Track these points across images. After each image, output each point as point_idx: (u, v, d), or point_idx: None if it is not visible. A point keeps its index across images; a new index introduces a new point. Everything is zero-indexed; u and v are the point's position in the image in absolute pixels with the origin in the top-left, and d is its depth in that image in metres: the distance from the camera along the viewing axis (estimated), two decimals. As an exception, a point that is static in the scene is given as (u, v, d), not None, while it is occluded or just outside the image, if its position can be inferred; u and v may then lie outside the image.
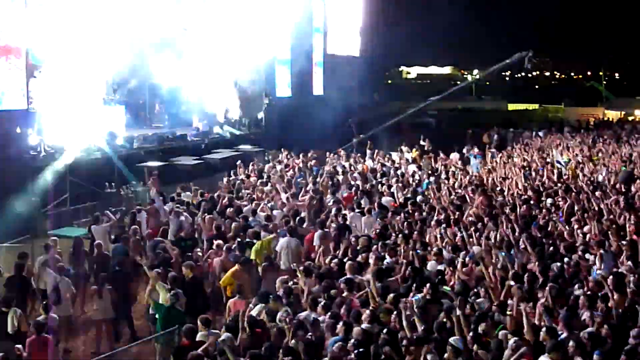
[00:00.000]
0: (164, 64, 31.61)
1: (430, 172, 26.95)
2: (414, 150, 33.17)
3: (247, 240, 16.54)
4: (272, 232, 17.13)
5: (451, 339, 10.30)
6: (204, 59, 33.16)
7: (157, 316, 13.20)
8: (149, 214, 19.38)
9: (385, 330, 10.65)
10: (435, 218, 18.50)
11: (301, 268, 13.92)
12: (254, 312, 11.80)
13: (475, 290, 12.72)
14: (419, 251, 15.20)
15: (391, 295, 12.19)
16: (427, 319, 11.20)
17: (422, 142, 35.45)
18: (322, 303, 11.88)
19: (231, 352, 10.23)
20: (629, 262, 14.42)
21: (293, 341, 10.33)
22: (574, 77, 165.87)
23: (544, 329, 10.65)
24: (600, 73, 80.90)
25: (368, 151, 31.64)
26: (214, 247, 16.11)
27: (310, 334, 10.79)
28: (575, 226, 17.61)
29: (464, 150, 33.87)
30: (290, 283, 13.47)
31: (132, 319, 15.16)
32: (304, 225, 18.11)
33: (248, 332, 10.87)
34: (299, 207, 20.11)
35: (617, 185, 24.01)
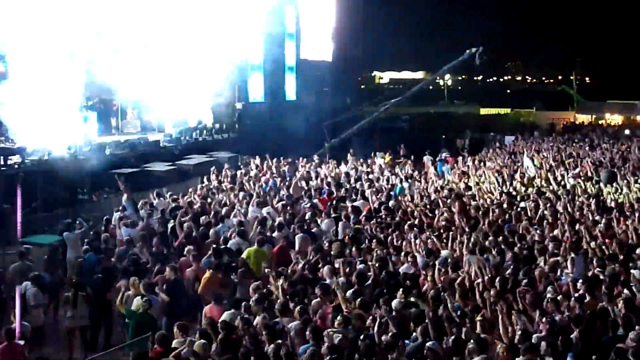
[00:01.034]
0: (136, 70, 31.45)
1: (403, 177, 27.02)
2: (387, 155, 33.26)
3: (222, 246, 16.49)
4: (245, 238, 17.10)
5: (428, 343, 10.32)
6: (177, 65, 33.00)
7: (130, 323, 13.12)
8: (121, 220, 19.24)
9: (362, 336, 10.66)
10: (408, 223, 18.55)
11: (274, 273, 13.91)
12: (226, 318, 11.75)
13: (449, 294, 12.75)
14: (392, 256, 15.26)
15: (364, 299, 12.22)
16: (401, 324, 11.22)
17: (401, 152, 35.58)
18: (296, 309, 11.86)
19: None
20: (600, 265, 14.53)
21: (270, 347, 10.30)
22: (545, 81, 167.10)
23: (518, 332, 10.72)
24: (571, 77, 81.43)
25: (350, 157, 31.62)
26: (186, 253, 16.03)
27: (284, 340, 10.76)
28: (547, 230, 17.76)
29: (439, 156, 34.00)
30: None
31: (108, 326, 15.06)
32: (280, 232, 18.05)
33: (222, 338, 10.82)
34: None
35: (589, 189, 24.24)
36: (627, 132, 55.35)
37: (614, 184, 24.99)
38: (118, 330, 15.04)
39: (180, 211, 19.64)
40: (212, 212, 19.61)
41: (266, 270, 14.68)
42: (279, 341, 10.52)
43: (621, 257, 15.12)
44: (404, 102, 49.89)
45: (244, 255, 16.01)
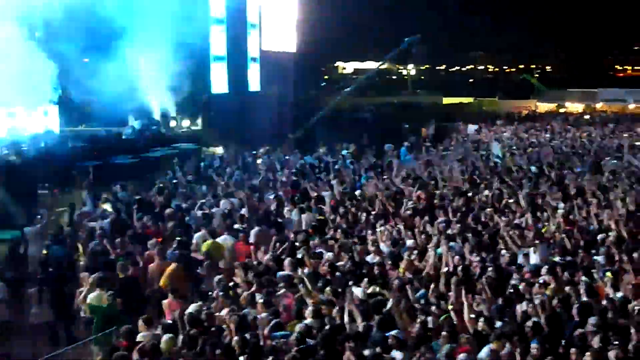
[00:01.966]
0: (98, 62, 31.18)
1: (368, 166, 27.12)
2: (351, 145, 33.30)
3: (185, 239, 16.40)
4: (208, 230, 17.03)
5: (393, 332, 10.37)
6: (139, 56, 32.77)
7: (94, 318, 13.01)
8: (83, 214, 19.07)
9: (327, 326, 10.68)
10: (373, 212, 18.61)
11: (239, 265, 13.90)
12: (191, 311, 11.69)
13: (415, 282, 12.80)
14: (357, 245, 15.31)
15: (331, 289, 12.24)
16: (367, 313, 11.26)
17: (364, 142, 35.64)
18: (261, 300, 11.85)
19: None
20: (563, 252, 14.70)
21: (235, 339, 10.28)
22: (507, 70, 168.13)
23: (481, 319, 10.80)
24: (532, 66, 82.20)
25: (321, 149, 31.61)
26: (149, 246, 15.93)
27: (250, 331, 10.75)
28: (511, 217, 17.92)
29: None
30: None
31: (71, 321, 14.92)
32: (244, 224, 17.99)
33: (187, 332, 10.77)
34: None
35: (553, 176, 24.49)
36: (586, 117, 56.12)
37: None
38: (81, 325, 14.90)
39: (144, 204, 19.54)
40: (177, 205, 19.49)
41: (235, 263, 14.65)
42: (246, 333, 10.51)
43: (582, 243, 15.31)
44: (356, 93, 50.13)
45: (203, 248, 15.92)
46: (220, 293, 12.39)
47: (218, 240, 16.41)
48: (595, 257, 14.34)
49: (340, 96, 46.40)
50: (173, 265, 14.48)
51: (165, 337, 10.70)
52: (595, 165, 27.13)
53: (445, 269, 13.54)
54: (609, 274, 12.87)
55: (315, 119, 41.65)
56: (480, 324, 10.73)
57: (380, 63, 50.64)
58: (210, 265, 14.96)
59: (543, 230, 16.64)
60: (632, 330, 10.45)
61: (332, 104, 45.13)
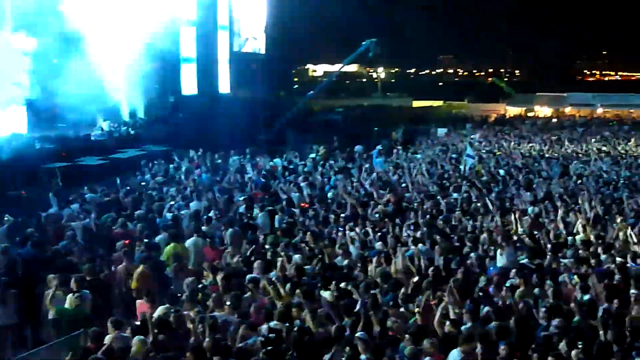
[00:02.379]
0: (67, 63, 30.96)
1: (338, 169, 27.16)
2: (321, 147, 33.34)
3: (154, 241, 16.31)
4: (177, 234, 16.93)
5: (358, 334, 10.38)
6: (108, 57, 32.60)
7: (61, 321, 12.88)
8: (49, 216, 18.87)
9: (295, 328, 10.67)
10: (342, 215, 18.63)
11: (208, 267, 13.86)
12: (160, 314, 11.64)
13: (384, 286, 12.82)
14: (326, 248, 15.31)
15: (300, 291, 12.24)
16: (336, 315, 11.27)
17: (334, 143, 35.68)
18: (230, 303, 11.82)
19: None
20: (529, 254, 14.81)
21: (206, 342, 10.24)
22: (477, 74, 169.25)
23: (448, 322, 10.84)
24: (502, 70, 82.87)
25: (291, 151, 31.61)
26: (117, 248, 15.82)
27: (219, 334, 10.71)
28: (479, 220, 18.02)
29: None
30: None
31: (38, 324, 14.76)
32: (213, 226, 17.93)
33: (156, 334, 10.71)
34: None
35: (521, 180, 24.70)
36: (555, 121, 56.63)
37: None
38: (48, 328, 14.74)
39: (113, 206, 19.41)
40: (145, 207, 19.39)
41: (204, 265, 14.58)
42: (216, 335, 10.48)
43: (549, 246, 15.43)
44: (326, 95, 50.35)
45: (164, 253, 15.81)
46: (189, 295, 12.34)
47: (187, 242, 16.32)
48: (563, 260, 14.46)
49: (302, 101, 46.62)
50: (141, 268, 14.38)
51: (136, 339, 10.63)
52: (563, 169, 27.41)
53: (414, 272, 13.59)
54: (576, 277, 12.97)
55: (279, 123, 41.81)
56: (447, 327, 10.76)
57: (340, 66, 50.77)
58: (179, 267, 14.88)
59: (511, 233, 16.74)
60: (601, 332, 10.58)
61: (293, 109, 45.24)
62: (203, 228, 17.32)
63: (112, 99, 34.86)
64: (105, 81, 33.01)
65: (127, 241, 16.14)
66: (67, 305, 12.79)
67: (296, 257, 14.71)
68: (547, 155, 32.21)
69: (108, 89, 33.70)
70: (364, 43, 44.09)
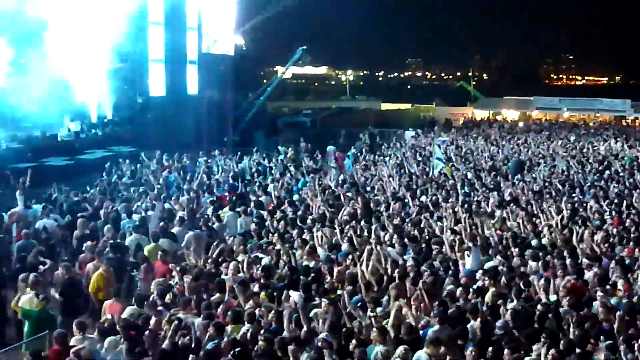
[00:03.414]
0: (32, 62, 30.73)
1: (306, 171, 27.18)
2: (289, 149, 33.33)
3: (119, 242, 16.21)
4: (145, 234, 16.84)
5: (322, 335, 10.39)
6: (75, 57, 32.37)
7: (26, 322, 12.76)
8: (13, 215, 18.67)
9: (263, 330, 10.66)
10: (310, 217, 18.64)
11: (178, 268, 13.80)
12: (127, 314, 11.58)
13: (351, 287, 12.83)
14: (294, 250, 15.30)
15: (267, 293, 12.23)
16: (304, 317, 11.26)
17: (301, 144, 35.68)
18: (198, 304, 11.79)
19: None
20: (498, 257, 14.90)
21: (170, 342, 10.20)
22: (445, 77, 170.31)
23: (403, 327, 10.87)
24: (469, 74, 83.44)
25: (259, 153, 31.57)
26: (84, 249, 15.71)
27: (187, 335, 10.66)
28: (447, 222, 18.11)
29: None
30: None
31: (4, 325, 14.60)
32: (181, 227, 17.84)
33: (123, 335, 10.65)
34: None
35: (489, 182, 24.88)
36: (520, 124, 57.16)
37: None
38: (12, 330, 14.60)
39: (80, 206, 19.27)
40: (111, 208, 19.27)
41: (171, 266, 14.51)
42: (182, 337, 10.44)
43: (515, 249, 15.54)
44: (295, 97, 50.48)
45: (145, 252, 15.74)
46: (157, 297, 12.28)
47: (152, 244, 16.23)
48: (529, 262, 14.57)
49: (254, 104, 46.78)
50: (101, 270, 14.26)
51: (111, 339, 10.56)
52: (519, 167, 27.78)
53: (381, 274, 13.62)
54: (542, 279, 13.08)
55: (240, 126, 41.92)
56: (403, 330, 10.80)
57: (282, 72, 51.00)
58: (147, 268, 14.79)
59: (478, 235, 16.83)
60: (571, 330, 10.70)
61: (249, 115, 45.28)
62: (172, 229, 17.28)
63: (80, 99, 34.59)
64: (72, 82, 32.76)
65: (93, 242, 16.05)
66: (31, 307, 12.65)
67: (265, 259, 14.70)
68: (513, 159, 32.38)
69: (76, 90, 33.46)
70: (299, 49, 45.01)
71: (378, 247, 15.04)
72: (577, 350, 10.02)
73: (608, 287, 12.90)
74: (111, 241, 16.04)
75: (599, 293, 12.39)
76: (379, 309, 11.68)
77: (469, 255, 14.85)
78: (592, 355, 9.88)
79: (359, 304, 11.89)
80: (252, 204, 20.23)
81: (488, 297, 12.43)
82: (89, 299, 14.33)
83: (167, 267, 14.52)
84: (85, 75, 33.33)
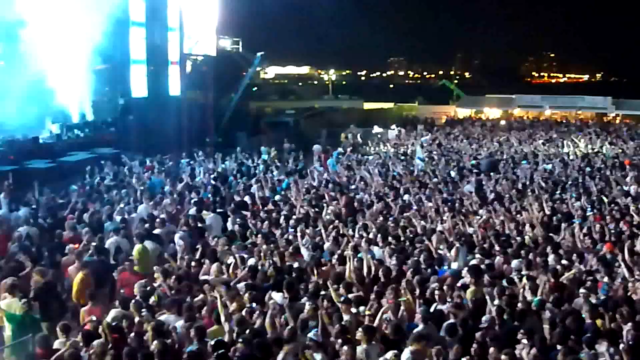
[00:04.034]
0: (12, 63, 30.58)
1: (290, 171, 27.20)
2: (272, 149, 33.32)
3: (102, 244, 16.14)
4: (127, 236, 16.79)
5: (310, 334, 10.40)
6: (55, 58, 32.21)
7: (10, 327, 12.69)
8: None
9: (247, 331, 10.66)
10: (294, 217, 18.66)
11: (160, 270, 13.77)
12: (110, 318, 11.55)
13: (335, 287, 12.83)
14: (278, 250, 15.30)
15: (251, 294, 12.23)
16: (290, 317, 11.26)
17: (285, 144, 35.69)
18: (181, 306, 11.76)
19: None
20: (480, 254, 14.96)
21: (153, 345, 10.18)
22: (427, 76, 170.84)
23: (389, 325, 10.91)
24: (452, 72, 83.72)
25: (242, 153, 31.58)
26: (67, 251, 15.64)
27: (169, 338, 10.64)
28: (430, 221, 18.17)
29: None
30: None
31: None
32: (164, 228, 17.79)
33: (106, 339, 10.61)
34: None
35: (473, 180, 24.98)
36: (502, 122, 57.41)
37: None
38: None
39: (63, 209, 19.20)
40: (94, 210, 19.20)
41: (155, 268, 14.47)
42: (165, 339, 10.41)
43: (497, 247, 15.60)
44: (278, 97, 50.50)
45: (134, 254, 15.68)
46: (141, 299, 12.25)
47: (139, 245, 16.19)
48: (513, 260, 14.63)
49: (231, 105, 46.84)
50: (81, 274, 14.20)
51: (98, 342, 10.52)
52: (491, 164, 27.97)
53: (365, 273, 13.64)
54: (525, 277, 13.13)
55: (220, 127, 42.00)
56: (388, 329, 10.83)
57: (249, 74, 51.00)
58: (131, 270, 14.74)
59: (462, 234, 16.90)
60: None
61: (225, 120, 45.28)
62: (155, 231, 17.23)
63: (61, 101, 34.42)
64: (53, 83, 32.61)
65: (76, 245, 15.99)
66: (13, 311, 12.58)
67: (250, 260, 14.69)
68: (496, 157, 32.51)
69: (57, 91, 33.29)
70: (258, 54, 45.48)
71: (362, 247, 15.08)
72: (559, 347, 10.10)
73: (590, 283, 12.98)
74: (94, 244, 15.97)
75: (581, 290, 12.46)
76: (361, 308, 11.72)
77: (453, 255, 14.90)
78: (574, 352, 9.91)
79: (345, 304, 11.91)
80: (235, 205, 20.21)
81: (469, 295, 12.48)
82: (65, 303, 14.28)
83: (135, 277, 14.28)
84: (66, 76, 33.15)
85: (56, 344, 10.83)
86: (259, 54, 47.44)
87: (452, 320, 11.28)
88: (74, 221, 17.91)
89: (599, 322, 11.17)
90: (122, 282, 14.45)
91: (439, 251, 15.48)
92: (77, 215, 18.71)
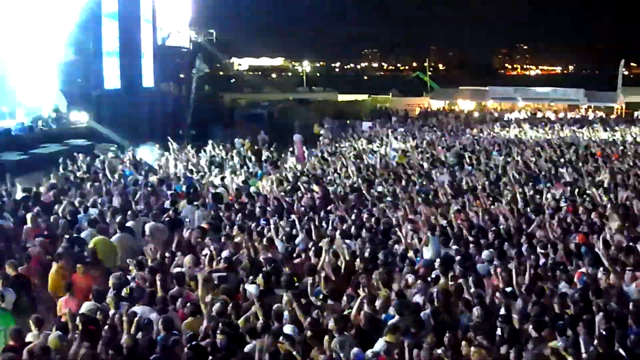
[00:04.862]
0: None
1: (264, 162, 27.18)
2: (247, 141, 33.27)
3: (75, 236, 16.05)
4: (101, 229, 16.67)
5: (286, 329, 10.42)
6: (27, 49, 31.96)
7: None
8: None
9: (221, 323, 10.65)
10: (268, 208, 18.65)
11: (133, 263, 13.72)
12: (86, 310, 11.50)
13: (310, 279, 12.85)
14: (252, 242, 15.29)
15: (224, 287, 12.23)
16: (263, 309, 11.26)
17: (261, 136, 35.64)
18: (156, 297, 11.75)
19: None
20: (455, 245, 15.03)
21: (125, 337, 10.15)
22: (401, 68, 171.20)
23: (364, 316, 10.94)
24: (425, 64, 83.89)
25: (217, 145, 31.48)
26: (36, 243, 15.49)
27: (144, 330, 10.61)
28: (404, 212, 18.21)
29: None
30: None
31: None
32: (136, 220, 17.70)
33: (81, 331, 10.56)
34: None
35: (445, 172, 25.11)
36: (476, 114, 57.69)
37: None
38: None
39: (33, 202, 19.04)
40: (67, 202, 19.06)
41: (128, 260, 14.40)
42: (139, 332, 10.39)
43: (471, 238, 15.68)
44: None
45: (90, 245, 15.57)
46: (114, 291, 12.20)
47: (113, 238, 16.12)
48: (485, 251, 14.69)
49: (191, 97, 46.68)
50: (55, 266, 14.11)
51: (54, 335, 10.47)
52: (459, 157, 28.16)
53: (340, 265, 13.66)
54: (498, 268, 13.21)
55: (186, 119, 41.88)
56: (363, 320, 10.86)
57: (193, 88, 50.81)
58: (103, 262, 14.67)
59: (435, 225, 16.95)
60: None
61: (189, 114, 45.11)
62: (128, 223, 17.12)
63: (33, 93, 34.14)
64: (25, 75, 32.36)
65: (46, 239, 15.85)
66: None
67: (225, 251, 14.66)
68: (470, 149, 32.68)
69: (29, 83, 33.03)
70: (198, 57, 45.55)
71: (337, 238, 15.10)
72: (534, 335, 10.20)
73: (563, 274, 13.09)
74: (67, 236, 15.88)
75: (555, 280, 12.57)
76: (332, 301, 11.76)
77: (427, 245, 14.96)
78: (547, 341, 10.00)
79: (320, 296, 11.94)
80: (209, 197, 20.17)
81: (441, 286, 12.55)
82: (35, 297, 14.17)
83: (91, 278, 13.86)
84: (38, 68, 32.90)
85: (29, 337, 10.76)
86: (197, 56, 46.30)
87: (426, 312, 11.34)
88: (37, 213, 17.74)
89: (570, 311, 11.26)
90: (77, 286, 13.60)
91: (413, 242, 15.52)
92: (49, 207, 18.57)
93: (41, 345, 10.11)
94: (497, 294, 11.95)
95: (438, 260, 13.77)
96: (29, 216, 17.25)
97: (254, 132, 37.28)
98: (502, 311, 11.31)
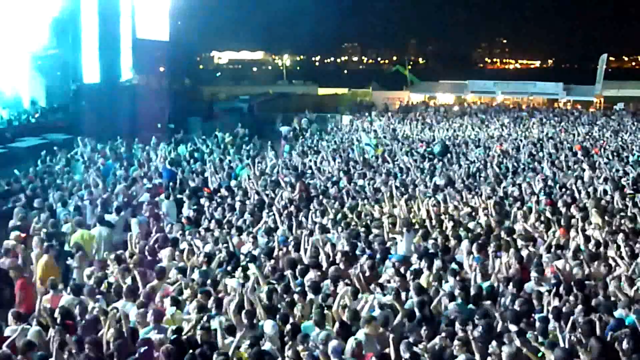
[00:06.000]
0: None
1: (244, 156, 27.14)
2: (227, 135, 33.18)
3: (54, 230, 15.98)
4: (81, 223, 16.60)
5: (267, 323, 10.46)
6: (4, 43, 31.76)
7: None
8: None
9: (205, 316, 10.65)
10: (248, 202, 18.62)
11: (112, 257, 13.68)
12: (64, 304, 11.45)
13: (291, 272, 12.85)
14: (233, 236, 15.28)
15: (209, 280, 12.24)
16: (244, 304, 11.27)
17: (238, 129, 35.55)
18: (135, 292, 11.72)
19: None
20: (432, 241, 15.05)
21: (109, 333, 10.13)
22: (381, 61, 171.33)
23: (346, 311, 10.97)
24: (405, 58, 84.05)
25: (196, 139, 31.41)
26: (12, 237, 15.39)
27: (122, 324, 10.58)
28: (384, 206, 18.24)
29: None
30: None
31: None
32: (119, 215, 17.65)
33: (59, 325, 10.52)
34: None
35: (426, 166, 25.14)
36: (456, 108, 57.86)
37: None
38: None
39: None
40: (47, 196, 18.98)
41: (105, 254, 14.37)
42: (119, 325, 10.37)
43: (449, 232, 15.73)
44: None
45: (72, 240, 15.53)
46: (93, 285, 12.16)
47: (92, 231, 16.08)
48: (463, 245, 14.72)
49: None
50: (45, 258, 14.08)
51: (34, 330, 10.43)
52: (443, 148, 28.27)
53: (321, 259, 13.68)
54: (476, 261, 13.28)
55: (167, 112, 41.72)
56: (346, 315, 10.88)
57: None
58: (82, 257, 14.61)
59: (414, 220, 16.99)
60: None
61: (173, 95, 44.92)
62: (107, 217, 17.06)
63: (12, 86, 33.95)
64: (2, 68, 32.15)
65: (24, 234, 15.75)
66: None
67: (206, 245, 14.64)
68: (449, 143, 32.74)
69: (7, 77, 32.83)
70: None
71: (317, 232, 15.12)
72: (512, 328, 10.28)
73: (542, 267, 13.17)
74: (44, 230, 15.81)
75: (533, 274, 12.65)
76: (314, 294, 11.78)
77: (401, 241, 15.01)
78: (526, 333, 10.06)
79: (299, 289, 11.95)
80: (189, 191, 20.12)
81: (424, 279, 12.59)
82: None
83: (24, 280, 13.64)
84: (16, 61, 32.70)
85: (7, 332, 10.71)
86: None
87: (411, 304, 11.38)
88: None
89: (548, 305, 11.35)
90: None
91: (392, 236, 15.54)
92: (28, 201, 18.47)
93: (25, 341, 10.06)
94: (477, 287, 12.01)
95: (415, 254, 13.83)
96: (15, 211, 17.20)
97: (234, 125, 37.14)
98: (484, 304, 11.40)
